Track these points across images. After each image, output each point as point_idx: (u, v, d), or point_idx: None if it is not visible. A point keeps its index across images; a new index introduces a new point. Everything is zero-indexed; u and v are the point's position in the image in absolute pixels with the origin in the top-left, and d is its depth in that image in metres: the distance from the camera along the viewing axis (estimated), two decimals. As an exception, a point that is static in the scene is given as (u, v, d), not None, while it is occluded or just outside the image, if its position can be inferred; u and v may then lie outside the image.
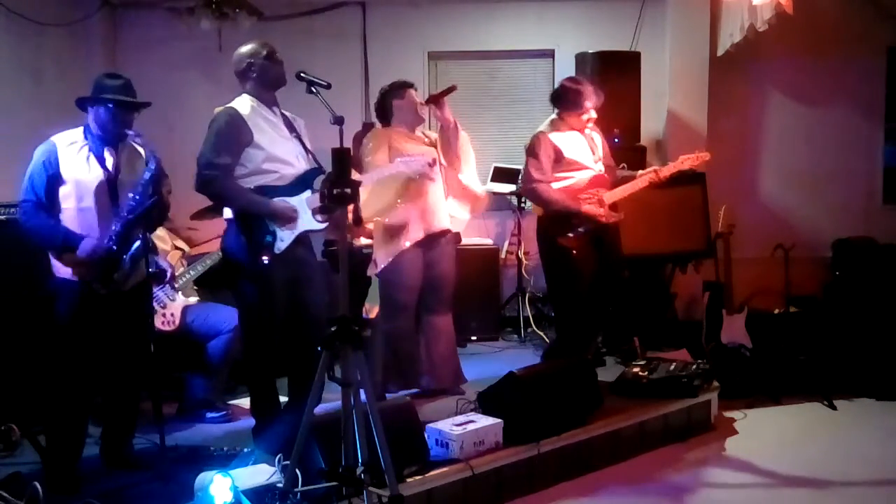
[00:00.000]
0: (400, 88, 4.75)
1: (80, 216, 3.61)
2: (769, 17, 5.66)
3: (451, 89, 4.72)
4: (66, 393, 3.69)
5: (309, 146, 4.09)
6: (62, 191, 3.60)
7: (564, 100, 4.91)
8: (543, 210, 4.93)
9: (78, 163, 3.62)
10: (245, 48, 4.04)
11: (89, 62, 6.58)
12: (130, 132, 3.70)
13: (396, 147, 4.60)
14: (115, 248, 3.60)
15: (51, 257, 3.69)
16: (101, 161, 3.66)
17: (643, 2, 6.85)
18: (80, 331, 3.65)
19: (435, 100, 4.71)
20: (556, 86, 5.15)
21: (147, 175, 3.66)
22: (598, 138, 5.04)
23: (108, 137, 3.69)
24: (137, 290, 3.75)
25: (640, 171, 5.04)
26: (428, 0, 6.97)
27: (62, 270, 3.66)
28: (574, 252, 4.81)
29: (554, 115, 4.97)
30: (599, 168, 4.96)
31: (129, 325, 3.78)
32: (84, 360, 3.68)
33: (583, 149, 4.92)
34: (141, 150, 3.78)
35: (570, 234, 4.81)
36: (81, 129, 3.71)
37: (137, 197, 3.64)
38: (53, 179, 3.59)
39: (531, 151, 4.87)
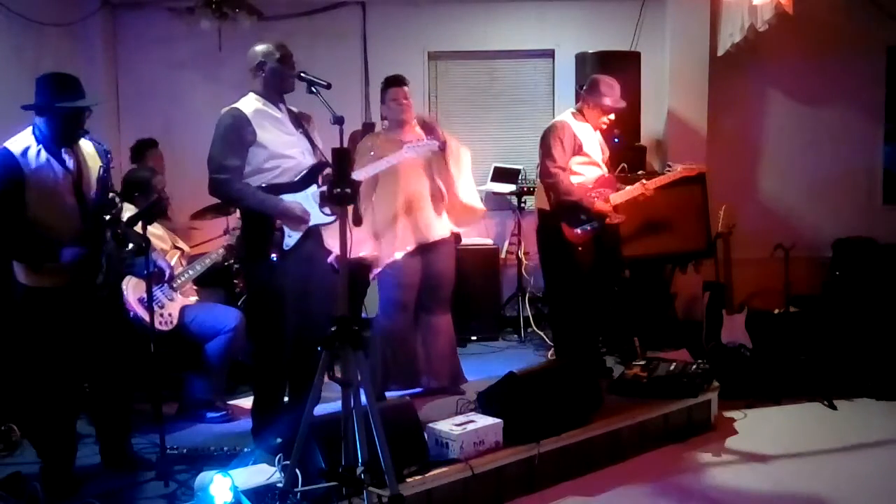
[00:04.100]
0: (385, 89, 4.70)
1: (51, 221, 3.51)
2: (769, 18, 5.66)
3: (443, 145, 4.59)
4: (46, 398, 3.64)
5: (319, 143, 4.06)
6: (29, 198, 3.47)
7: (591, 87, 4.97)
8: (554, 200, 4.93)
9: (39, 168, 3.50)
10: (260, 46, 3.98)
11: (89, 62, 6.57)
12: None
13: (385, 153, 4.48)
14: (89, 250, 3.51)
15: (13, 265, 3.58)
16: (63, 163, 3.56)
17: (643, 2, 6.84)
18: (56, 337, 3.57)
19: (425, 126, 4.66)
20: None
21: (102, 172, 3.60)
22: (603, 145, 5.16)
23: (63, 141, 3.58)
24: (112, 289, 3.68)
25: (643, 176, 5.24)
26: (428, 0, 6.97)
27: (27, 278, 3.55)
28: (579, 248, 4.88)
29: (572, 109, 5.06)
30: (606, 170, 5.06)
31: (107, 324, 3.72)
32: (63, 364, 3.61)
33: (596, 146, 5.03)
34: (89, 145, 3.69)
35: (578, 231, 4.87)
36: (29, 130, 3.58)
37: (95, 194, 3.56)
38: (19, 188, 3.46)
39: (552, 136, 4.88)
